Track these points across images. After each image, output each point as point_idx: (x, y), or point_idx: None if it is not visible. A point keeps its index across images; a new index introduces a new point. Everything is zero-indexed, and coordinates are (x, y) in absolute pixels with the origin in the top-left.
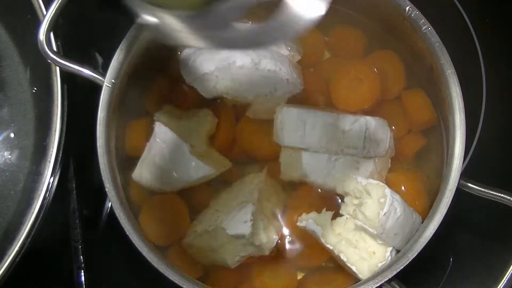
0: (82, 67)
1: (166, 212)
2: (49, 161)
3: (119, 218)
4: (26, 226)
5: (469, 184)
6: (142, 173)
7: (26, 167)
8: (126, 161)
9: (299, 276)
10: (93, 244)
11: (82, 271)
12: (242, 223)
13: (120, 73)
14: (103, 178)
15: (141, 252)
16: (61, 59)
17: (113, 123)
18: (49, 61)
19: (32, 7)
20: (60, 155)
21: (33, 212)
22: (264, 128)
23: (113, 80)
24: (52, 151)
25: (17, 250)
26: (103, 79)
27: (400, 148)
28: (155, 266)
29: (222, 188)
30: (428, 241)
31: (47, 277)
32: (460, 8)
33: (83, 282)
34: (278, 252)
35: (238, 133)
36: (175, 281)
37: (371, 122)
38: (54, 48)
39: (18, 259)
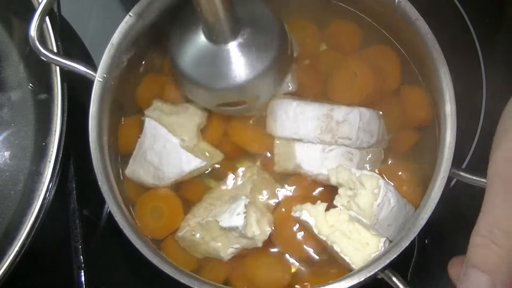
0: (75, 62)
1: (160, 206)
2: (49, 161)
3: (113, 213)
4: (26, 226)
5: (461, 173)
6: (135, 169)
7: (26, 167)
8: (123, 158)
9: (293, 269)
10: (93, 244)
11: (82, 271)
12: (235, 215)
13: (111, 67)
14: (96, 173)
15: (138, 250)
16: (53, 55)
17: (105, 118)
18: (41, 57)
19: (32, 7)
20: (60, 155)
21: (33, 212)
22: (256, 122)
23: (104, 75)
24: (52, 151)
25: (17, 250)
26: (95, 74)
27: (394, 142)
28: (150, 259)
29: (215, 181)
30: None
31: (47, 277)
32: (460, 8)
33: (83, 282)
34: (271, 244)
35: (229, 128)
36: (170, 274)
37: (365, 113)
38: (52, 47)
39: (18, 259)
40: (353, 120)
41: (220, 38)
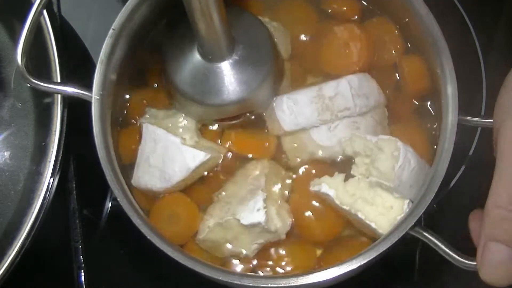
0: (69, 86)
1: (175, 211)
2: (49, 161)
3: (134, 221)
4: (26, 226)
5: (467, 117)
6: (140, 177)
7: (26, 167)
8: (125, 169)
9: (319, 251)
10: (93, 244)
11: (82, 271)
12: (255, 211)
13: (105, 84)
14: (112, 187)
15: (162, 252)
16: (44, 83)
17: (109, 133)
18: (28, 84)
19: (32, 7)
20: (60, 155)
21: (33, 212)
22: (253, 131)
23: (101, 92)
24: (52, 151)
25: (17, 250)
26: (90, 94)
27: (394, 110)
28: (179, 260)
29: (225, 179)
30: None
31: (47, 277)
32: (460, 8)
33: (83, 282)
34: (292, 231)
35: (225, 137)
36: (200, 271)
37: (353, 79)
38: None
39: (18, 259)
40: (344, 91)
41: (216, 57)
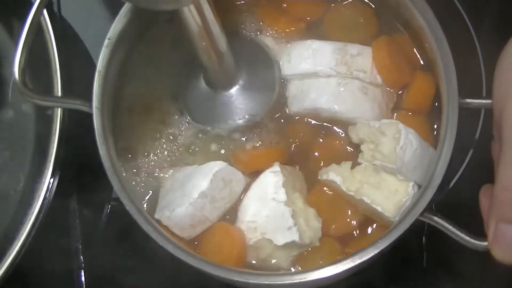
0: (68, 99)
1: (219, 241)
2: (49, 161)
3: (147, 231)
4: (26, 226)
5: (467, 100)
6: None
7: (26, 167)
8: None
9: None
10: (93, 244)
11: (82, 271)
12: (287, 230)
13: (104, 95)
14: (120, 197)
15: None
16: (44, 96)
17: (112, 142)
18: (29, 99)
19: (32, 7)
20: (60, 155)
21: (33, 212)
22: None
23: (101, 103)
24: (52, 151)
25: (17, 250)
26: (90, 106)
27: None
28: (185, 259)
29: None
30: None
31: (47, 277)
32: (460, 8)
33: (83, 282)
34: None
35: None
36: (212, 272)
37: None
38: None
39: (18, 259)
40: (367, 55)
41: (220, 86)
